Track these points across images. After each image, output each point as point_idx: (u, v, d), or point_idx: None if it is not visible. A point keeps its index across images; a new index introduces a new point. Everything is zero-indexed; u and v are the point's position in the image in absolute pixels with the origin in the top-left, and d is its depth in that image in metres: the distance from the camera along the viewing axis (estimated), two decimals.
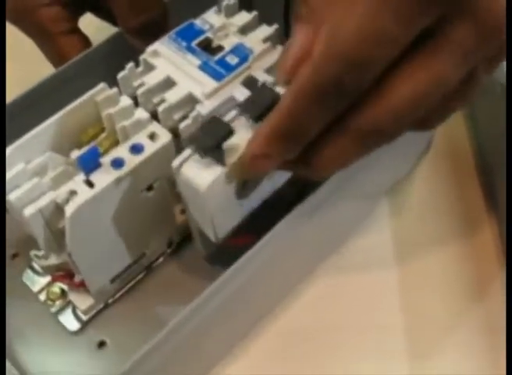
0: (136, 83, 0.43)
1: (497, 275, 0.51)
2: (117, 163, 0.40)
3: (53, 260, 0.45)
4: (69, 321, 0.48)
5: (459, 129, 0.58)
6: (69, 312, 0.48)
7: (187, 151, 0.38)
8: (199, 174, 0.38)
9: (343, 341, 0.48)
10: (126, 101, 0.41)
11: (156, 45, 0.43)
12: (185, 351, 0.42)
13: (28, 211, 0.39)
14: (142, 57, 0.43)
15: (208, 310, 0.40)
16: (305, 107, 0.31)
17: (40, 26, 0.49)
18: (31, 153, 0.40)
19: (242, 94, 0.40)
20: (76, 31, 0.51)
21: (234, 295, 0.41)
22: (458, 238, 0.53)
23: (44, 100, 0.46)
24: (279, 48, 0.43)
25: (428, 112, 0.32)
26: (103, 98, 0.42)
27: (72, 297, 0.48)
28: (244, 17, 0.45)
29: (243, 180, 0.40)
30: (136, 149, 0.40)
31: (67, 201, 0.39)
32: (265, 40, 0.43)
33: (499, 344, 0.46)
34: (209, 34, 0.43)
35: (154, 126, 0.41)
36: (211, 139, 0.37)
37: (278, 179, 0.43)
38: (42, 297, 0.49)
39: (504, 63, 0.35)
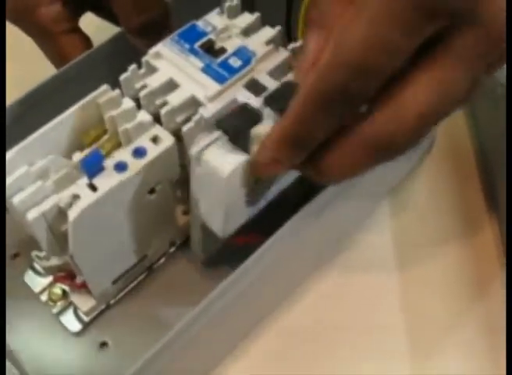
0: (138, 85, 0.42)
1: (498, 275, 0.51)
2: (120, 167, 0.40)
3: (55, 261, 0.45)
4: (71, 322, 0.48)
5: (460, 129, 0.58)
6: (70, 313, 0.49)
7: (205, 140, 0.38)
8: (223, 159, 0.38)
9: (344, 342, 0.48)
10: (128, 103, 0.41)
11: (158, 47, 0.43)
12: (188, 352, 0.42)
13: (31, 215, 0.39)
14: (144, 59, 0.43)
15: (212, 312, 0.40)
16: (312, 113, 0.32)
17: (40, 26, 0.49)
18: (34, 156, 0.40)
19: (245, 97, 0.40)
20: (77, 31, 0.51)
21: (238, 297, 0.41)
22: (459, 238, 0.53)
23: (45, 101, 0.46)
24: (282, 51, 0.43)
25: None
26: (105, 100, 0.41)
27: (74, 298, 0.48)
28: (247, 18, 0.44)
29: (256, 178, 0.40)
30: (139, 153, 0.40)
31: (70, 205, 0.39)
32: (268, 42, 0.43)
33: (499, 344, 0.46)
34: (212, 36, 0.43)
35: (157, 130, 0.41)
36: (240, 122, 0.38)
37: (285, 179, 0.43)
38: (43, 297, 0.49)
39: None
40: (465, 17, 0.29)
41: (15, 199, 0.39)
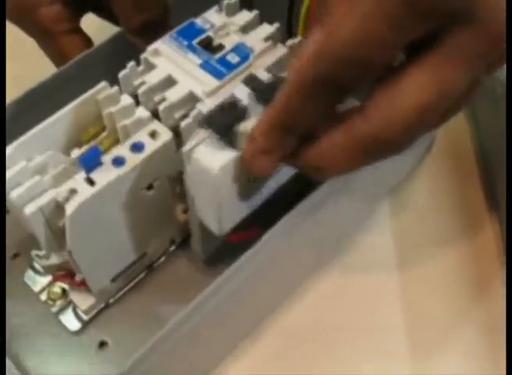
0: (137, 82, 0.43)
1: (498, 275, 0.51)
2: (118, 161, 0.40)
3: (54, 260, 0.45)
4: (70, 321, 0.48)
5: (460, 129, 0.58)
6: (69, 311, 0.48)
7: (197, 138, 0.38)
8: (211, 157, 0.38)
9: (344, 342, 0.48)
10: (126, 99, 0.41)
11: (157, 44, 0.43)
12: (185, 351, 0.42)
13: (29, 209, 0.39)
14: (143, 56, 0.43)
15: (207, 309, 0.40)
16: (297, 101, 0.32)
17: (41, 26, 0.49)
18: (32, 151, 0.40)
19: (243, 92, 0.40)
20: (78, 31, 0.51)
21: (233, 295, 0.41)
22: (459, 238, 0.53)
23: (45, 99, 0.46)
24: (280, 47, 0.43)
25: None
26: (104, 97, 0.42)
27: (73, 297, 0.48)
28: (245, 16, 0.45)
29: (249, 176, 0.40)
30: (136, 147, 0.40)
31: (67, 199, 0.39)
32: (266, 38, 0.43)
33: (499, 344, 0.46)
34: (210, 33, 0.43)
35: (155, 125, 0.41)
36: (226, 119, 0.38)
37: (282, 175, 0.43)
38: (43, 297, 0.49)
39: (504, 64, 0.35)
40: (462, 16, 0.29)
41: (13, 194, 0.39)
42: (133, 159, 0.40)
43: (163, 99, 0.41)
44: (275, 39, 0.43)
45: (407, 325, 0.49)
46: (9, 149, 0.39)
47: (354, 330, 0.49)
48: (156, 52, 0.43)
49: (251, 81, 0.40)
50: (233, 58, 0.42)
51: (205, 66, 0.42)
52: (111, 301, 0.48)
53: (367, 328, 0.49)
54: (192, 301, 0.39)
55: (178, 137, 0.41)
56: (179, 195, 0.46)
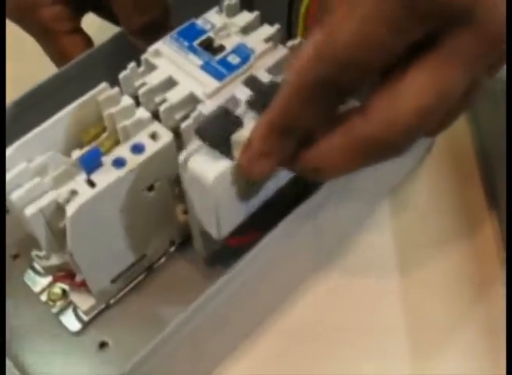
0: (137, 83, 0.43)
1: (498, 275, 0.51)
2: (118, 163, 0.40)
3: (54, 260, 0.45)
4: (71, 321, 0.48)
5: (460, 129, 0.58)
6: (70, 312, 0.48)
7: (193, 145, 0.38)
8: (206, 167, 0.38)
9: (344, 342, 0.48)
10: (127, 100, 0.41)
11: (158, 45, 0.43)
12: (186, 351, 0.42)
13: (29, 210, 0.39)
14: (144, 57, 0.43)
15: (208, 312, 0.40)
16: (296, 104, 0.32)
17: (42, 25, 0.49)
18: (33, 152, 0.40)
19: (243, 93, 0.40)
20: (79, 31, 0.51)
21: (233, 297, 0.41)
22: (459, 239, 0.53)
23: (46, 100, 0.46)
24: (281, 48, 0.43)
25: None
26: (104, 98, 0.42)
27: (74, 297, 0.48)
28: (246, 17, 0.45)
29: (247, 180, 0.40)
30: (137, 149, 0.40)
31: (68, 200, 0.39)
32: (267, 40, 0.43)
33: (500, 345, 0.46)
34: (211, 34, 0.43)
35: (156, 126, 0.41)
36: (220, 130, 0.37)
37: (281, 178, 0.43)
38: (43, 297, 0.49)
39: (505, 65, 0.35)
40: (461, 18, 0.29)
41: (13, 195, 0.39)
42: (134, 161, 0.40)
43: (164, 100, 0.41)
44: (275, 40, 0.43)
45: (407, 325, 0.49)
46: (9, 150, 0.39)
47: (354, 330, 0.49)
48: (157, 53, 0.43)
49: (252, 82, 0.40)
50: (234, 60, 0.42)
51: (206, 67, 0.42)
52: (111, 301, 0.48)
53: (367, 328, 0.49)
54: (192, 303, 0.39)
55: (178, 138, 0.41)
56: (178, 196, 0.46)
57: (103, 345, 0.47)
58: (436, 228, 0.53)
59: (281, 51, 0.42)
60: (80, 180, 0.39)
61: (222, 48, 0.43)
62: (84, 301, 0.47)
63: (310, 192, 0.42)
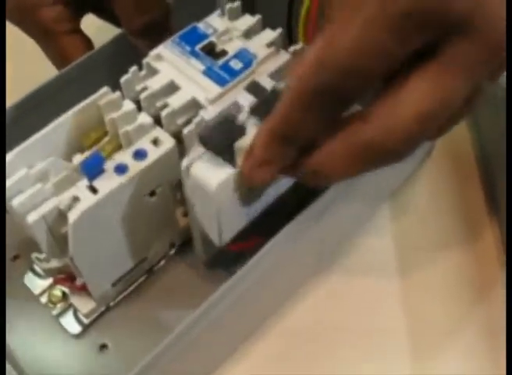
0: (139, 87, 0.42)
1: (498, 278, 0.51)
2: (120, 169, 0.40)
3: (54, 263, 0.45)
4: (71, 324, 0.48)
5: (460, 133, 0.58)
6: (70, 315, 0.48)
7: (196, 152, 0.38)
8: (209, 174, 0.38)
9: (344, 343, 0.48)
10: (129, 105, 0.41)
11: (159, 49, 0.43)
12: (188, 355, 0.42)
13: (31, 217, 0.39)
14: (145, 61, 0.43)
15: (212, 316, 0.40)
16: (298, 111, 0.32)
17: (42, 26, 0.49)
18: (34, 158, 0.40)
19: (245, 99, 0.40)
20: (79, 32, 0.50)
21: (239, 300, 0.41)
22: (459, 241, 0.53)
23: (46, 102, 0.46)
24: (283, 53, 0.43)
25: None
26: (106, 102, 0.41)
27: (74, 300, 0.48)
28: (248, 21, 0.44)
29: (249, 187, 0.40)
30: (139, 155, 0.40)
31: (70, 207, 0.39)
32: (269, 44, 0.43)
33: (500, 345, 0.46)
34: (213, 38, 0.43)
35: (158, 132, 0.41)
36: (223, 138, 0.37)
37: (282, 184, 0.43)
38: (43, 299, 0.49)
39: None
40: (461, 27, 0.29)
41: (14, 202, 0.39)
42: (136, 167, 0.40)
43: (165, 105, 0.41)
44: (277, 44, 0.43)
45: (407, 326, 0.49)
46: (10, 156, 0.39)
47: (355, 331, 0.49)
48: (159, 57, 0.43)
49: (254, 88, 0.40)
50: (236, 65, 0.42)
51: (208, 72, 0.41)
52: (111, 304, 0.48)
53: (367, 329, 0.49)
54: (194, 307, 0.39)
55: (180, 143, 0.41)
56: (179, 199, 0.46)
57: (103, 348, 0.47)
58: (436, 231, 0.53)
59: (283, 57, 0.42)
60: (81, 186, 0.39)
61: (224, 52, 0.43)
62: (84, 305, 0.47)
63: (311, 198, 0.42)
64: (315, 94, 0.31)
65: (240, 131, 0.38)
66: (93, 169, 0.39)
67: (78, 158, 0.41)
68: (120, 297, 0.49)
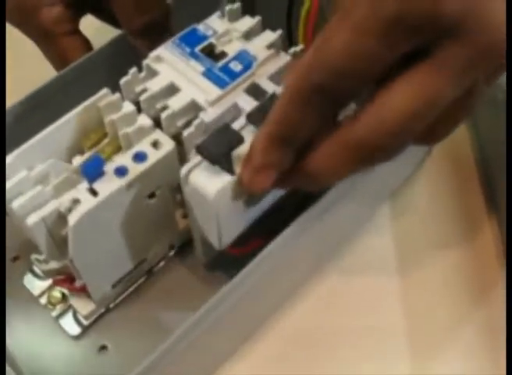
0: (138, 89, 0.42)
1: (498, 278, 0.51)
2: (120, 171, 0.40)
3: (54, 264, 0.44)
4: (70, 325, 0.48)
5: (460, 132, 0.58)
6: (69, 316, 0.48)
7: (195, 159, 0.38)
8: (207, 182, 0.38)
9: (345, 343, 0.48)
10: (128, 107, 0.41)
11: (159, 50, 0.43)
12: (188, 356, 0.42)
13: (31, 219, 0.39)
14: (145, 62, 0.43)
15: (212, 318, 0.39)
16: (292, 112, 0.32)
17: (42, 27, 0.49)
18: (34, 160, 0.40)
19: (245, 102, 0.40)
20: (78, 33, 0.50)
21: (239, 302, 0.41)
22: (459, 242, 0.53)
23: (46, 103, 0.46)
24: (283, 55, 0.43)
25: (427, 127, 0.32)
26: (105, 104, 0.41)
27: (73, 301, 0.47)
28: (248, 22, 0.44)
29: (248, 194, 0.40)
30: (139, 157, 0.40)
31: (70, 209, 0.39)
32: (269, 46, 0.43)
33: (500, 345, 0.46)
34: (212, 40, 0.43)
35: (158, 134, 0.41)
36: (221, 147, 0.37)
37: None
38: (43, 301, 0.49)
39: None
40: (451, 31, 0.29)
41: (14, 204, 0.39)
42: (136, 169, 0.40)
43: (165, 107, 0.41)
44: (277, 46, 0.43)
45: (407, 326, 0.49)
46: (10, 158, 0.39)
47: (355, 331, 0.49)
48: (158, 59, 0.43)
49: (254, 91, 0.40)
50: (236, 67, 0.42)
51: (208, 74, 0.41)
52: (111, 305, 0.48)
53: (367, 330, 0.49)
54: (195, 310, 0.38)
55: (180, 145, 0.41)
56: (179, 201, 0.46)
57: (102, 349, 0.47)
58: (436, 231, 0.53)
59: (283, 59, 0.42)
60: (81, 189, 0.39)
61: (223, 54, 0.43)
62: (84, 306, 0.47)
63: (310, 199, 0.42)
64: (309, 94, 0.31)
65: (238, 139, 0.37)
66: (93, 172, 0.39)
67: (78, 160, 0.41)
68: (120, 298, 0.49)
